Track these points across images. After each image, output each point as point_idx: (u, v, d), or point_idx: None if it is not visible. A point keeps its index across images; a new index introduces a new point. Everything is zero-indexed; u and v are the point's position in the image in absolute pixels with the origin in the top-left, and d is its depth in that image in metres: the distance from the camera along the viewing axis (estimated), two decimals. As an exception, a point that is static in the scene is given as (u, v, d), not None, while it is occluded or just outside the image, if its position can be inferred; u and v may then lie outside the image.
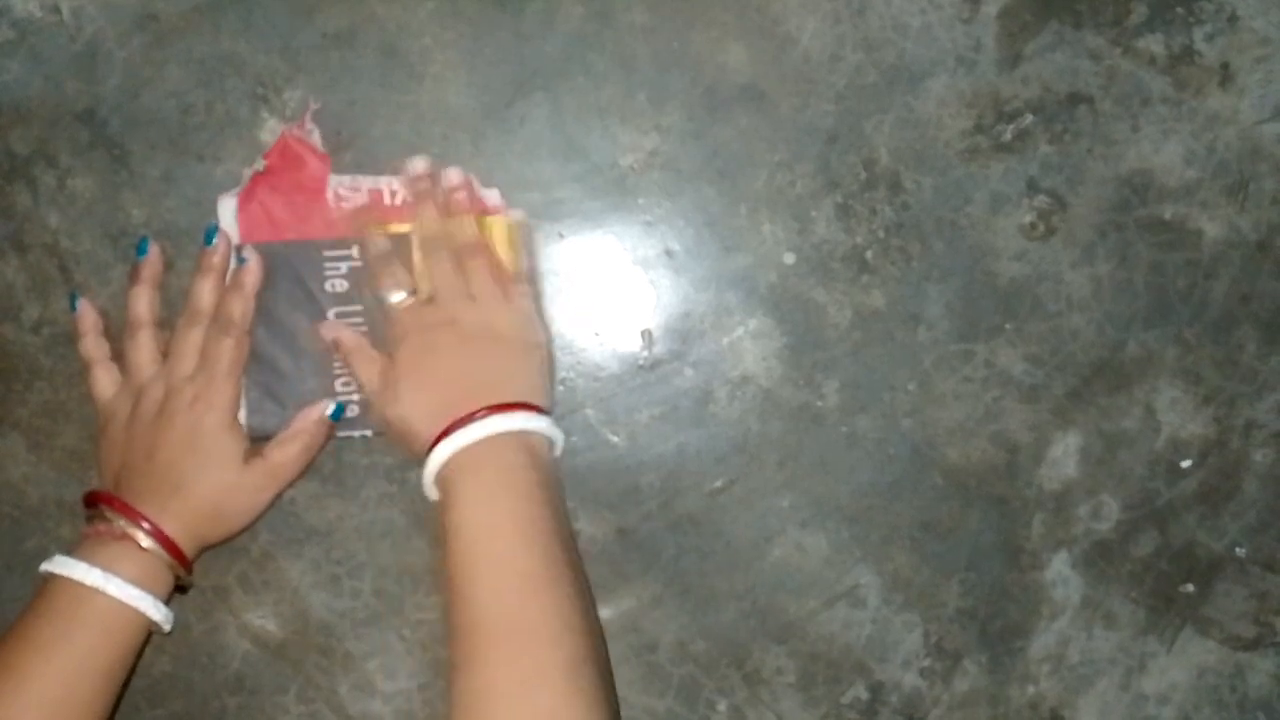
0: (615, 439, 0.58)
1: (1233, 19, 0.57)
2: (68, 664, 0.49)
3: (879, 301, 0.58)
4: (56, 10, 0.56)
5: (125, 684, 0.52)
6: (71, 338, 0.57)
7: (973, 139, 0.57)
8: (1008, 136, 0.57)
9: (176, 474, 0.52)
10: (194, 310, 0.54)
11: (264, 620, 0.58)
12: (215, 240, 0.55)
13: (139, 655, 0.52)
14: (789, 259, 0.58)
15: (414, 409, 0.52)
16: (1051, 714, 0.60)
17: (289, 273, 0.55)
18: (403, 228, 0.55)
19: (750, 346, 0.58)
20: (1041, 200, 0.58)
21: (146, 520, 0.51)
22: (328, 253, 0.55)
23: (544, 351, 0.54)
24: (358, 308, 0.55)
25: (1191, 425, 0.59)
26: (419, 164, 0.55)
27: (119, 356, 0.55)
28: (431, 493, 0.52)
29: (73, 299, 0.56)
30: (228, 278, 0.55)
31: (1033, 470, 0.59)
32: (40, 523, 0.58)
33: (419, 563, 0.58)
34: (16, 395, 0.57)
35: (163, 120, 0.56)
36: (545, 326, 0.56)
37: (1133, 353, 0.59)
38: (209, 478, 0.52)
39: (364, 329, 0.55)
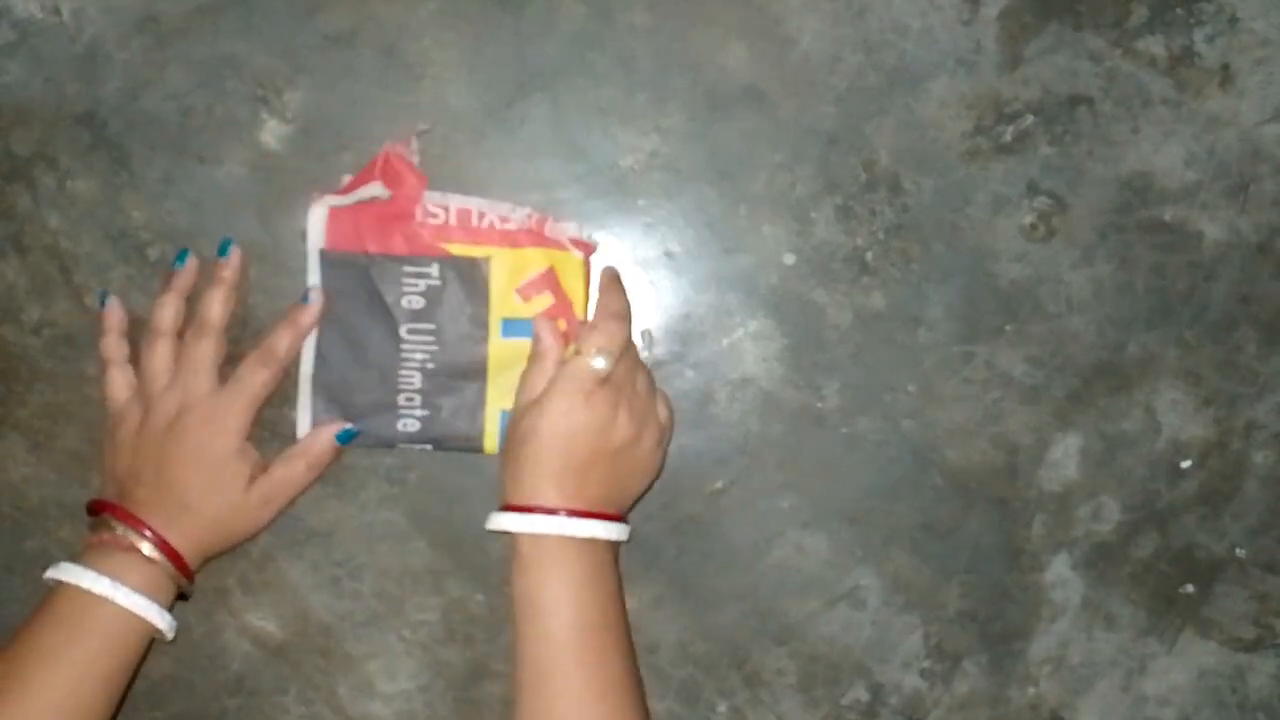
0: (615, 440, 0.58)
1: (1233, 20, 0.57)
2: (73, 671, 0.49)
3: (879, 303, 0.58)
4: (57, 12, 0.56)
5: (127, 690, 0.52)
6: (72, 339, 0.57)
7: (973, 140, 0.57)
8: (1008, 138, 0.57)
9: (183, 491, 0.52)
10: (204, 321, 0.54)
11: (264, 621, 0.58)
12: (230, 253, 0.55)
13: (141, 662, 0.52)
14: (789, 260, 0.58)
15: (533, 465, 0.51)
16: (1052, 715, 0.60)
17: (367, 284, 0.55)
18: (483, 251, 0.55)
19: (750, 348, 0.58)
20: (1042, 202, 0.58)
21: (152, 532, 0.51)
22: (408, 269, 0.55)
23: (655, 477, 0.56)
24: (431, 326, 0.55)
25: (1192, 426, 0.59)
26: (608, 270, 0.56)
27: (135, 359, 0.55)
28: (496, 526, 0.51)
29: (102, 296, 0.56)
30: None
31: (1033, 472, 0.59)
32: (40, 523, 0.58)
33: (419, 564, 0.58)
34: (17, 396, 0.57)
35: (163, 122, 0.56)
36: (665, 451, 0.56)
37: (1133, 354, 0.59)
38: (215, 498, 0.53)
39: (435, 348, 0.55)
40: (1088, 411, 0.59)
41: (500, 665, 0.58)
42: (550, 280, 0.55)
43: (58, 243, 0.57)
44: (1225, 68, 0.58)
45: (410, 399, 0.55)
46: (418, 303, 0.55)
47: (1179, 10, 0.57)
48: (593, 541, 0.51)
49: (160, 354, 0.54)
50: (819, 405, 0.58)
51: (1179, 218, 0.58)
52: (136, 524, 0.51)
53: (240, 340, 0.57)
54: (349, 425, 0.55)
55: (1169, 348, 0.59)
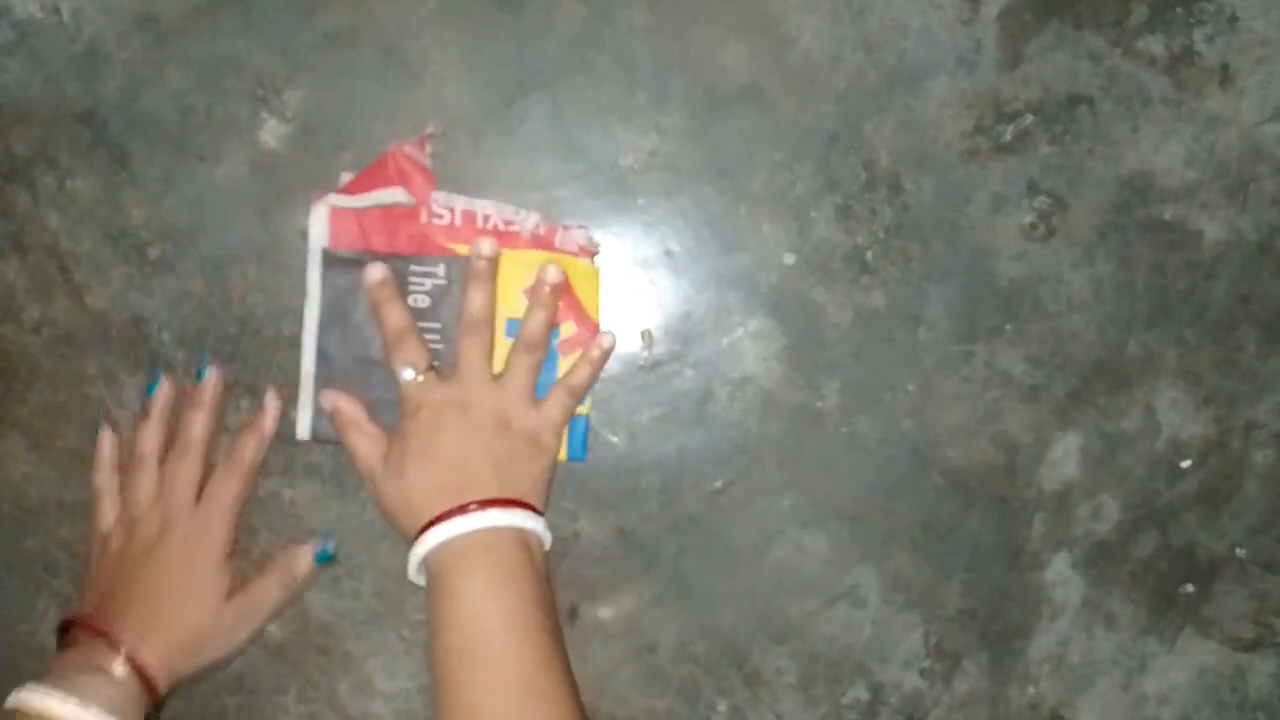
0: (615, 439, 0.58)
1: (1233, 20, 0.57)
2: None
3: (879, 302, 0.58)
4: (56, 11, 0.56)
5: None
6: (72, 339, 0.57)
7: (973, 140, 0.57)
8: (1008, 137, 0.57)
9: (160, 604, 0.51)
10: (186, 442, 0.54)
11: (264, 621, 0.58)
12: (207, 376, 0.55)
13: None
14: (789, 259, 0.58)
15: (415, 486, 0.51)
16: (1052, 715, 0.60)
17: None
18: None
19: (750, 347, 0.58)
20: (1042, 201, 0.58)
21: (124, 644, 0.50)
22: (413, 268, 0.55)
23: (551, 458, 0.54)
24: (436, 325, 0.56)
25: (1192, 426, 0.59)
26: (485, 247, 0.55)
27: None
28: (416, 576, 0.51)
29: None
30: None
31: (1033, 471, 0.59)
32: (40, 523, 0.58)
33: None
34: (16, 395, 0.57)
35: (163, 121, 0.56)
36: (559, 439, 0.55)
37: (1133, 353, 0.59)
38: (192, 611, 0.52)
39: (440, 347, 0.55)
40: (1088, 410, 0.59)
41: (500, 664, 0.58)
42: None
43: (58, 242, 0.57)
44: (1225, 67, 0.58)
45: None
46: (423, 301, 0.55)
47: (1179, 10, 0.57)
48: (503, 535, 0.50)
49: (144, 481, 0.54)
50: (819, 404, 0.58)
51: (1179, 217, 0.58)
52: (108, 635, 0.50)
53: (239, 340, 0.57)
54: (326, 546, 0.56)
55: (1169, 347, 0.59)
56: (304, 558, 0.55)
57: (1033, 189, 0.58)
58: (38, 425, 0.57)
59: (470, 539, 0.50)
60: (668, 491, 0.58)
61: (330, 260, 0.55)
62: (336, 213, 0.55)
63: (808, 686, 0.59)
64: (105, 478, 0.56)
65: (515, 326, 0.55)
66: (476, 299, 0.54)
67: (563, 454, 0.56)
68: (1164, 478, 0.59)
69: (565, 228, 0.56)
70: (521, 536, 0.51)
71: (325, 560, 0.56)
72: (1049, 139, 0.57)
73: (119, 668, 0.49)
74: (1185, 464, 0.59)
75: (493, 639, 0.48)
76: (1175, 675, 0.60)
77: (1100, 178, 0.58)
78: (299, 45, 0.56)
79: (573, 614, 0.58)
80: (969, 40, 0.57)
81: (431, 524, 0.50)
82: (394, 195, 0.55)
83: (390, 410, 0.55)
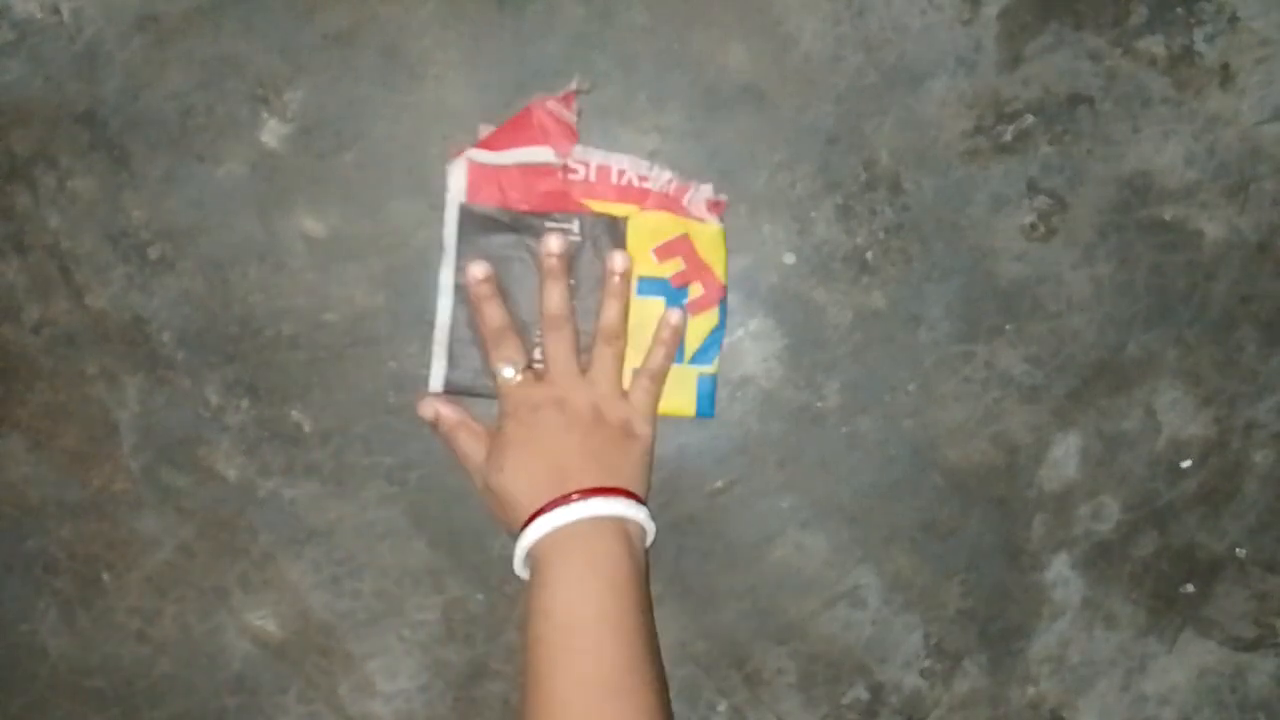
0: (615, 440, 0.58)
1: (1233, 20, 0.57)
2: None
3: (879, 302, 0.58)
4: (56, 11, 0.56)
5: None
6: (72, 339, 0.57)
7: (973, 140, 0.57)
8: (1008, 137, 0.57)
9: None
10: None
11: (264, 621, 0.58)
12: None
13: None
14: (789, 260, 0.58)
15: (516, 481, 0.52)
16: (1052, 715, 0.60)
17: (510, 238, 0.56)
18: (623, 210, 0.56)
19: (751, 347, 0.58)
20: (1042, 201, 0.58)
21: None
22: (550, 224, 0.56)
23: (646, 444, 0.55)
24: (570, 281, 0.56)
25: (1192, 426, 0.59)
26: (554, 244, 0.55)
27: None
28: (522, 570, 0.52)
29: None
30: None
31: (1033, 471, 0.59)
32: (40, 523, 0.58)
33: (419, 564, 0.58)
34: (17, 396, 0.57)
35: (163, 121, 0.56)
36: (653, 422, 0.56)
37: (1133, 354, 0.59)
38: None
39: (574, 302, 0.56)
40: (1088, 411, 0.59)
41: (500, 664, 0.58)
42: (684, 246, 0.56)
43: (58, 242, 0.57)
44: (1225, 67, 0.58)
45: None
46: None
47: (1179, 10, 0.57)
48: (604, 525, 0.50)
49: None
50: (819, 404, 0.58)
51: (1179, 217, 0.58)
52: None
53: (239, 340, 0.57)
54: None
55: (1169, 347, 0.59)
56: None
57: (1033, 189, 0.58)
58: (38, 425, 0.57)
59: (571, 529, 0.50)
60: (668, 491, 0.58)
61: (467, 215, 0.55)
62: (475, 168, 0.55)
63: (808, 686, 0.59)
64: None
65: (646, 285, 0.56)
66: (553, 296, 0.55)
67: (692, 410, 0.57)
68: (1164, 478, 0.59)
69: (698, 185, 0.56)
70: (621, 527, 0.51)
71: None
72: (1049, 139, 0.57)
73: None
74: (1185, 464, 0.59)
75: (583, 630, 0.48)
76: (1175, 675, 0.60)
77: (1100, 178, 0.58)
78: (299, 45, 0.56)
79: (573, 614, 0.58)
80: (969, 40, 0.57)
81: (534, 516, 0.50)
82: (540, 154, 0.55)
83: (518, 361, 0.55)
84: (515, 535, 0.52)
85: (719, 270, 0.56)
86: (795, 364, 0.58)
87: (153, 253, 0.57)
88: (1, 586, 0.58)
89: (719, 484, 0.58)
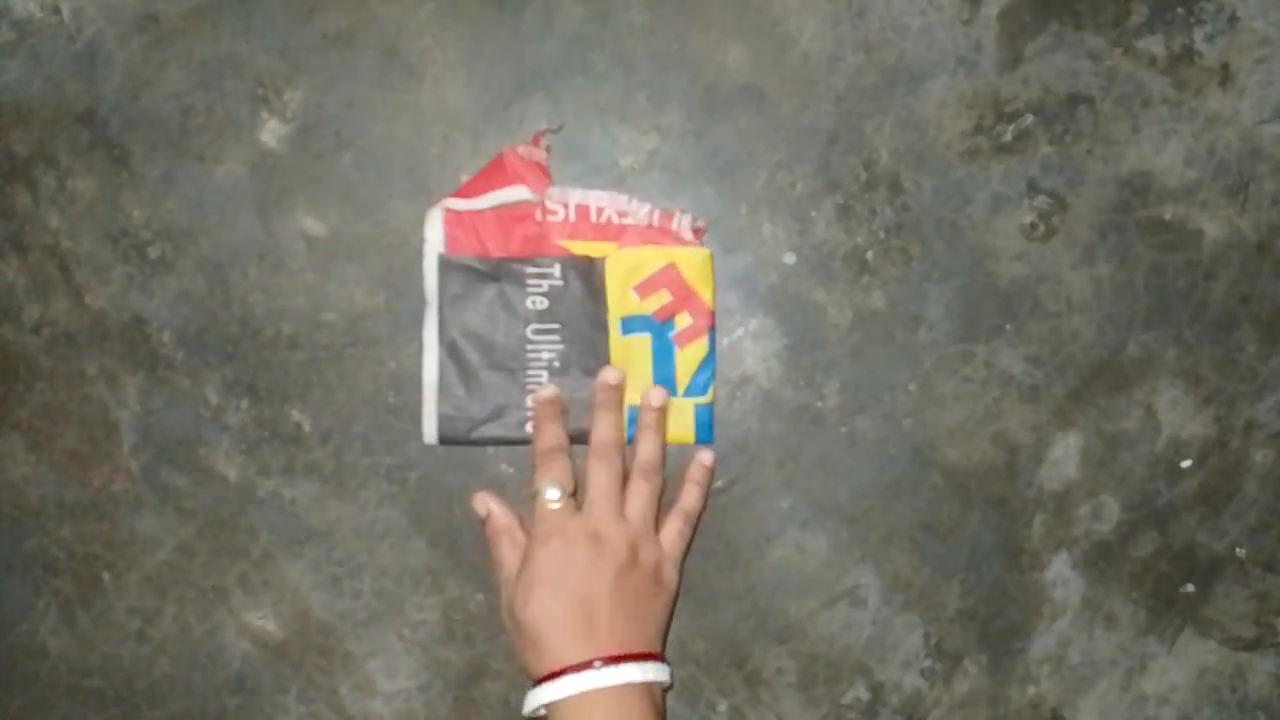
0: (615, 439, 0.58)
1: (1233, 19, 0.57)
2: None
3: (879, 302, 0.58)
4: (56, 11, 0.56)
5: None
6: (72, 339, 0.57)
7: (973, 140, 0.57)
8: (1008, 137, 0.57)
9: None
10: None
11: (264, 621, 0.58)
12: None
13: None
14: (789, 259, 0.58)
15: (542, 620, 0.50)
16: (1052, 714, 0.60)
17: (492, 287, 0.56)
18: (600, 250, 0.56)
19: (750, 347, 0.58)
20: (1042, 201, 0.58)
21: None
22: (531, 270, 0.56)
23: (672, 591, 0.55)
24: (555, 325, 0.56)
25: (1192, 426, 0.59)
26: (611, 375, 0.55)
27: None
28: (531, 713, 0.51)
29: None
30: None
31: (1033, 471, 0.59)
32: (40, 523, 0.58)
33: (419, 564, 0.58)
34: (16, 396, 0.57)
35: (163, 121, 0.56)
36: (681, 568, 0.56)
37: (1133, 353, 0.59)
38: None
39: (560, 347, 0.56)
40: (1088, 411, 0.59)
41: (500, 664, 0.58)
42: (670, 277, 0.56)
43: (58, 242, 0.57)
44: (1225, 67, 0.58)
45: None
46: (542, 303, 0.56)
47: (1179, 10, 0.57)
48: (627, 691, 0.49)
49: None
50: (819, 404, 0.58)
51: (1179, 217, 0.58)
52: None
53: (239, 340, 0.57)
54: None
55: (1169, 347, 0.59)
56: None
57: (1033, 189, 0.58)
58: (38, 425, 0.57)
59: (599, 695, 0.49)
60: (668, 491, 0.58)
61: (447, 266, 0.55)
62: (452, 216, 0.55)
63: (808, 686, 0.59)
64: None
65: (630, 323, 0.56)
66: (605, 427, 0.55)
67: (691, 438, 0.57)
68: (1164, 478, 0.59)
69: (682, 212, 0.56)
70: (647, 690, 0.50)
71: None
72: (1049, 139, 0.57)
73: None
74: (1185, 464, 0.59)
75: None
76: (1175, 675, 0.60)
77: (1100, 178, 0.58)
78: (299, 45, 0.56)
79: (573, 614, 0.58)
80: (969, 40, 0.57)
81: (560, 673, 0.49)
82: (516, 193, 0.55)
83: (516, 413, 0.56)
84: (532, 678, 0.51)
85: (707, 296, 0.56)
86: (795, 364, 0.58)
87: (153, 253, 0.57)
88: (1, 586, 0.58)
89: (719, 484, 0.58)
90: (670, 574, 0.54)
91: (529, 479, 0.55)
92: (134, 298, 0.57)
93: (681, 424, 0.57)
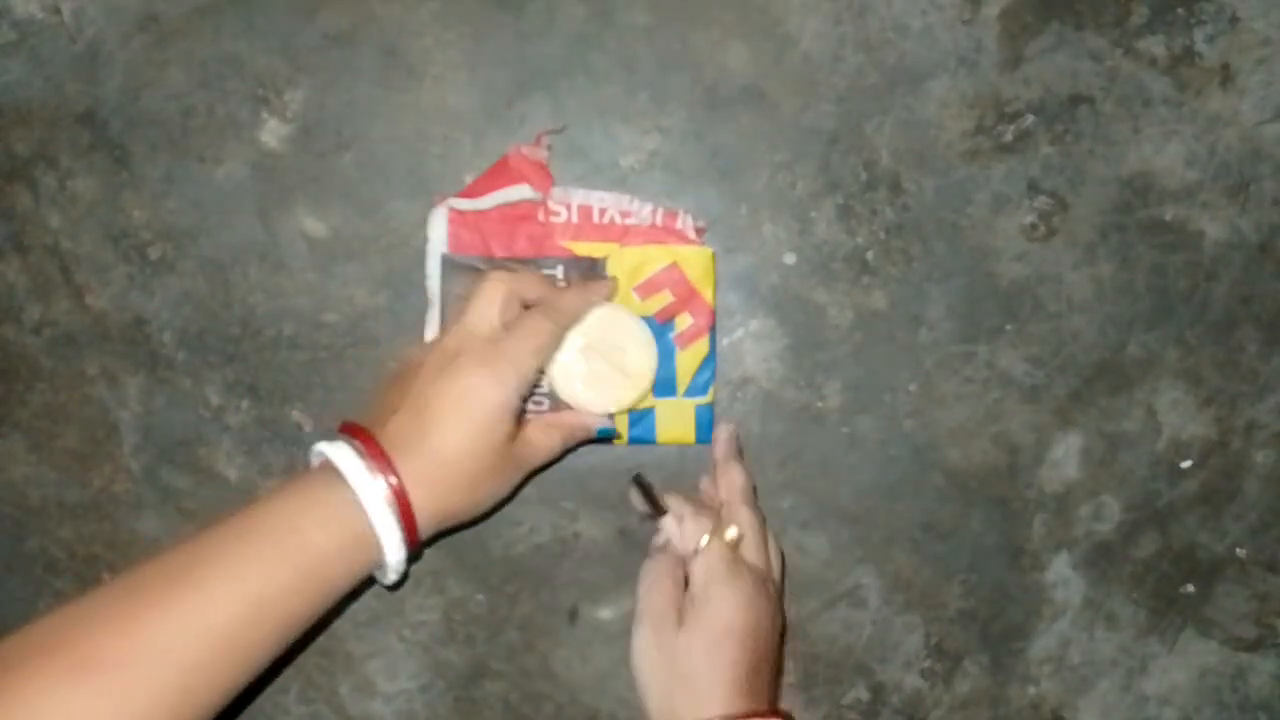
0: (616, 440, 0.58)
1: (1233, 20, 0.57)
2: (275, 570, 0.42)
3: (880, 302, 0.58)
4: (57, 11, 0.56)
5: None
6: (72, 339, 0.57)
7: (974, 140, 0.57)
8: (1009, 137, 0.57)
9: (440, 436, 0.46)
10: (546, 294, 0.51)
11: (264, 621, 0.58)
12: (609, 280, 0.54)
13: (322, 615, 0.45)
14: (790, 260, 0.58)
15: (727, 669, 0.47)
16: (1052, 715, 0.60)
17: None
18: (602, 250, 0.55)
19: (751, 348, 0.58)
20: (1043, 201, 0.58)
21: (396, 479, 0.45)
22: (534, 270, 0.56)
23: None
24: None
25: (1192, 426, 0.59)
26: (726, 430, 0.55)
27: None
28: None
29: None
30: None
31: (1034, 471, 0.59)
32: (40, 523, 0.58)
33: (419, 564, 0.58)
34: (17, 396, 0.57)
35: (164, 121, 0.56)
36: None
37: (1134, 354, 0.59)
38: (472, 449, 0.47)
39: None
40: (1088, 411, 0.59)
41: (500, 664, 0.58)
42: (672, 277, 0.56)
43: (58, 243, 0.57)
44: (1225, 67, 0.58)
45: (539, 401, 0.55)
46: None
47: (1179, 10, 0.57)
48: None
49: (493, 294, 0.50)
50: (819, 405, 0.58)
51: (1180, 217, 0.58)
52: (382, 462, 0.45)
53: (239, 340, 0.57)
54: (611, 428, 0.55)
55: (1169, 347, 0.59)
56: (593, 422, 0.54)
57: (1033, 189, 0.58)
58: (38, 425, 0.57)
59: None
60: (668, 491, 0.58)
61: (450, 265, 0.55)
62: (456, 216, 0.55)
63: (808, 687, 0.59)
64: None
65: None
66: (739, 474, 0.54)
67: (692, 438, 0.57)
68: (1165, 478, 0.59)
69: (685, 212, 0.56)
70: None
71: (605, 435, 0.55)
72: (1050, 139, 0.57)
73: (384, 492, 0.45)
74: (1186, 464, 0.59)
75: None
76: (1176, 676, 0.60)
77: (1101, 178, 0.58)
78: (299, 45, 0.56)
79: (573, 614, 0.58)
80: (970, 40, 0.57)
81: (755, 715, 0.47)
82: (519, 192, 0.55)
83: None
84: (678, 719, 0.47)
85: (709, 295, 0.56)
86: (796, 364, 0.58)
87: (153, 253, 0.57)
88: (1, 586, 0.58)
89: (719, 484, 0.58)
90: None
91: (691, 515, 0.52)
92: (134, 298, 0.57)
93: (682, 424, 0.57)
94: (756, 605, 0.49)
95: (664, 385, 0.56)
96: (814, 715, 0.59)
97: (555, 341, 0.51)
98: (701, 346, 0.56)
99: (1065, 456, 0.59)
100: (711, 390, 0.57)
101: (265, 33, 0.56)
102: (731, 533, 0.51)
